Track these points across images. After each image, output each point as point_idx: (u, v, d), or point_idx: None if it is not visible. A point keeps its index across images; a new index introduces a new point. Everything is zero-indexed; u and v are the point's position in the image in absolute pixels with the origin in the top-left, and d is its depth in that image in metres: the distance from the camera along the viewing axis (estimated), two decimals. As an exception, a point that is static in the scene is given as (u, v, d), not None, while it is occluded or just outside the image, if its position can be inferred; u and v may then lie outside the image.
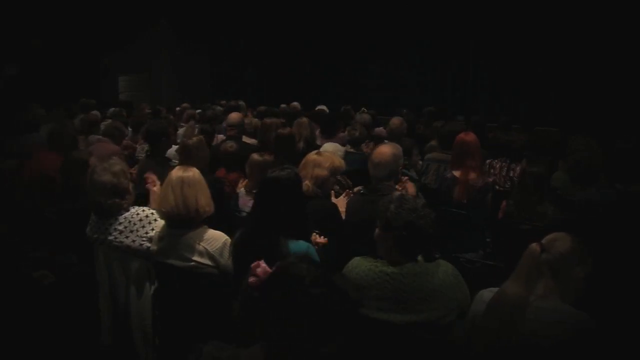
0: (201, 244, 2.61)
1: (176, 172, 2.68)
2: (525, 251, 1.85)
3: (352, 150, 5.04)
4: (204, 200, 2.65)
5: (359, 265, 2.20)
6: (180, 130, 6.24)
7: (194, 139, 3.95)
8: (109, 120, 6.94)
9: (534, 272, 1.81)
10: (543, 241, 1.86)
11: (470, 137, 3.87)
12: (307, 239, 2.49)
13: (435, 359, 2.04)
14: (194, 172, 2.70)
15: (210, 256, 2.61)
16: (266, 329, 1.31)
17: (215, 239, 2.64)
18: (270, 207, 2.38)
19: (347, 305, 1.32)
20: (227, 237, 2.66)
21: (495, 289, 1.95)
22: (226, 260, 2.60)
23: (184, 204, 2.58)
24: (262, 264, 1.45)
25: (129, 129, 6.46)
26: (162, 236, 2.68)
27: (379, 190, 3.00)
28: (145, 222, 2.74)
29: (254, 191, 3.43)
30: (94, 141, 5.08)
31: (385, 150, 3.11)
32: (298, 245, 2.34)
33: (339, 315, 1.30)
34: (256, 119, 6.06)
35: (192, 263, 2.61)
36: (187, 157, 3.69)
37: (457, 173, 3.80)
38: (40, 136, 5.21)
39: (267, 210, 2.39)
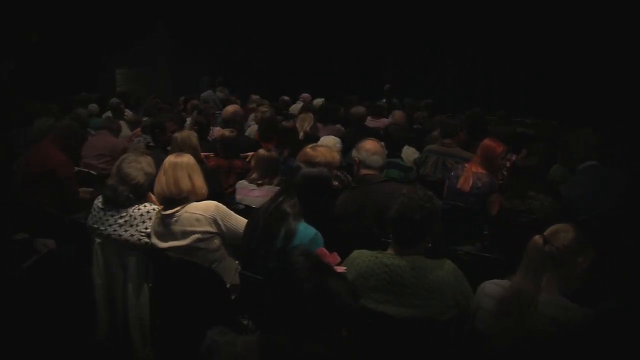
0: (197, 212, 2.68)
1: (169, 158, 2.83)
2: (529, 244, 1.85)
3: None
4: (199, 182, 2.77)
5: (360, 255, 2.18)
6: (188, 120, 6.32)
7: (185, 132, 4.07)
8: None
9: (540, 265, 1.81)
10: (545, 233, 1.86)
11: (494, 144, 3.84)
12: (321, 228, 2.52)
13: (433, 354, 2.04)
14: (187, 157, 2.83)
15: (209, 222, 2.67)
16: (262, 319, 1.34)
17: (206, 205, 2.72)
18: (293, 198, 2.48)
19: (339, 305, 1.32)
20: (216, 202, 2.76)
21: (497, 281, 1.94)
22: (228, 225, 2.69)
23: (175, 184, 2.69)
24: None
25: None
26: (158, 223, 2.74)
27: (367, 181, 3.07)
28: (145, 217, 2.76)
29: (259, 181, 3.58)
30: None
31: (377, 143, 3.22)
32: (307, 230, 2.41)
33: (330, 315, 1.30)
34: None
35: (196, 235, 2.65)
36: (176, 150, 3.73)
37: (467, 164, 3.88)
38: (31, 131, 5.19)
39: (290, 199, 2.48)
